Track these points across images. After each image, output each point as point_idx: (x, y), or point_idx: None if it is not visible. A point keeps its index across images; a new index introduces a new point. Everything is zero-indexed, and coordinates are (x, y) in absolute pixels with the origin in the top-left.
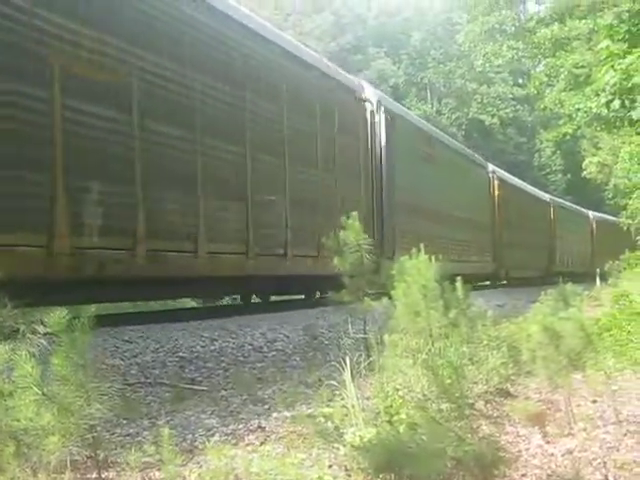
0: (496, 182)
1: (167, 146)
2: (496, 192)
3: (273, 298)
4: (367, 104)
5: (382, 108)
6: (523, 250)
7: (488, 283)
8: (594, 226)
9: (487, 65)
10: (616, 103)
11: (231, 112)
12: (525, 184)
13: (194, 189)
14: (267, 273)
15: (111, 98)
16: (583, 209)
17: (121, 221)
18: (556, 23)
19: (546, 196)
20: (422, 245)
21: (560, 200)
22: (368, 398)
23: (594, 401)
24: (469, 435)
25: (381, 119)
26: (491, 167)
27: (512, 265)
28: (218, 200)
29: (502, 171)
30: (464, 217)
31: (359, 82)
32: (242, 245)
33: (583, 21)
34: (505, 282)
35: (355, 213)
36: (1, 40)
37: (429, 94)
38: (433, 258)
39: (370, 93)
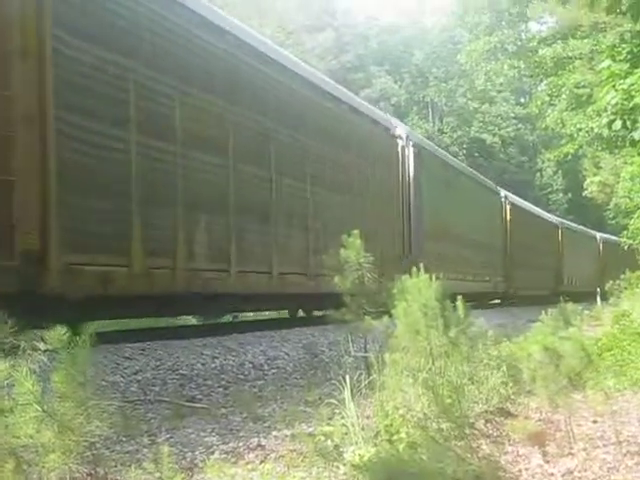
0: (508, 207)
1: (250, 183)
2: (508, 216)
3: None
4: (399, 140)
5: (410, 142)
6: (532, 270)
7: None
8: (601, 247)
9: (488, 84)
10: (617, 123)
11: (295, 153)
12: (534, 208)
13: (269, 220)
14: (325, 291)
15: (216, 148)
16: (591, 230)
17: (220, 248)
18: (558, 42)
19: (554, 219)
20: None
21: (568, 222)
22: (368, 417)
23: (594, 421)
24: (469, 455)
25: (410, 152)
26: (503, 193)
27: (521, 285)
28: (286, 228)
29: (513, 196)
30: (480, 240)
31: (393, 121)
32: (304, 267)
33: (585, 40)
34: (515, 301)
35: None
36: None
37: (431, 112)
38: (434, 277)
39: (401, 130)
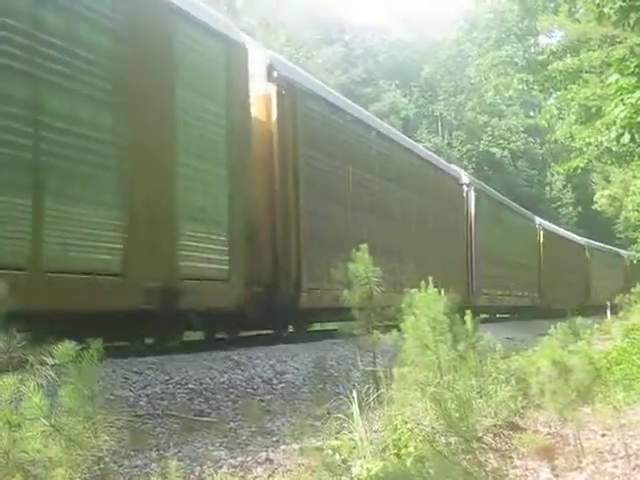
0: (541, 232)
1: (358, 225)
2: (541, 240)
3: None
4: (464, 187)
5: (472, 187)
6: (563, 287)
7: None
8: (627, 264)
9: (497, 97)
10: (626, 137)
11: (387, 200)
12: (563, 231)
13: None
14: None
15: (336, 197)
16: (619, 249)
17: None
18: (568, 56)
19: (582, 240)
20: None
21: (595, 243)
22: (376, 431)
23: (603, 435)
24: (477, 469)
25: (471, 196)
26: (538, 220)
27: (554, 299)
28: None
29: (546, 222)
30: (520, 262)
31: (461, 172)
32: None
33: (594, 54)
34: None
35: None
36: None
37: (440, 126)
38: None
39: (465, 178)
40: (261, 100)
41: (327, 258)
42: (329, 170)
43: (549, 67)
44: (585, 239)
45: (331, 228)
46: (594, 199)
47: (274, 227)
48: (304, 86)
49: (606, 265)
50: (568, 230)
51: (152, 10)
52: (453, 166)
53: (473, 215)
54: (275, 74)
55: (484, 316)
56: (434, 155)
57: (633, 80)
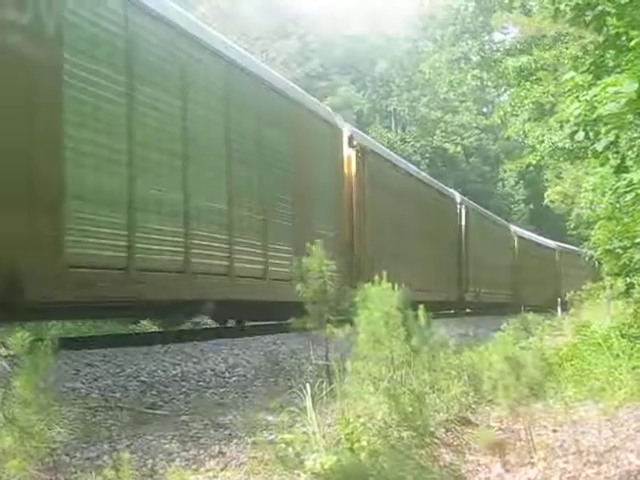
0: (516, 238)
1: (398, 241)
2: (516, 245)
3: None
4: (458, 205)
5: (464, 205)
6: (535, 285)
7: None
8: (594, 263)
9: (451, 93)
10: (580, 135)
11: (408, 220)
12: (537, 237)
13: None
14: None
15: (387, 222)
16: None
17: None
18: (522, 54)
19: (553, 244)
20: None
21: (565, 245)
22: (329, 425)
23: (555, 430)
24: (430, 463)
25: (462, 211)
26: (513, 228)
27: (526, 297)
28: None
29: (521, 230)
30: (500, 264)
31: (455, 192)
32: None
33: (548, 53)
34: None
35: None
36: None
37: (393, 122)
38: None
39: (458, 197)
40: (345, 160)
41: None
42: (384, 204)
43: (503, 64)
44: (556, 243)
45: (385, 244)
46: (545, 196)
47: (352, 244)
48: (370, 148)
49: (574, 265)
50: (520, 227)
51: (308, 117)
52: (449, 188)
53: (464, 226)
54: (354, 142)
55: (467, 310)
56: (435, 181)
57: (588, 77)
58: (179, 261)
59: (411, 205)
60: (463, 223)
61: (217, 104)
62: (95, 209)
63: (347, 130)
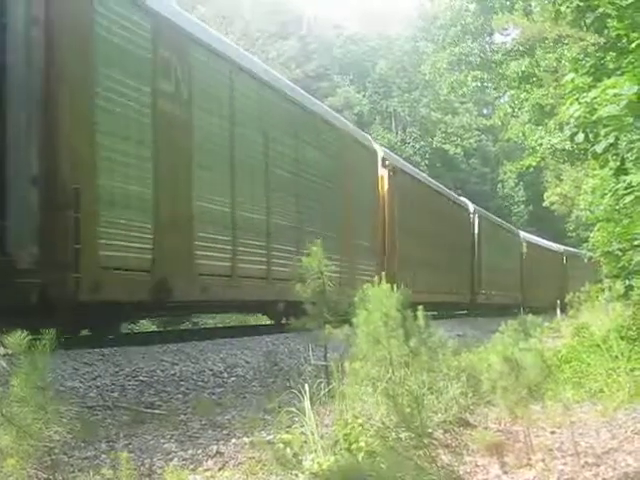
0: (524, 243)
1: (423, 248)
2: (524, 250)
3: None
4: (471, 215)
5: (477, 214)
6: (542, 288)
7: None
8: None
9: (452, 95)
10: (580, 136)
11: (430, 230)
12: (545, 242)
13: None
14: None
15: (413, 233)
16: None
17: None
18: (523, 56)
19: (560, 248)
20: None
21: (571, 249)
22: (327, 425)
23: (553, 432)
24: (428, 464)
25: (476, 220)
26: (522, 234)
27: (532, 298)
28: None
29: (529, 235)
30: (509, 268)
31: (468, 202)
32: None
33: (549, 55)
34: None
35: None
36: None
37: (394, 123)
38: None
39: (471, 207)
40: (379, 178)
41: (409, 271)
42: (409, 216)
43: (504, 66)
44: (563, 247)
45: (410, 251)
46: (545, 197)
47: (384, 252)
48: (399, 167)
49: (581, 268)
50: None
51: (352, 144)
52: (463, 198)
53: (477, 236)
54: (386, 162)
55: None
56: (451, 192)
57: (589, 79)
58: (263, 269)
59: (431, 215)
60: (476, 231)
61: (291, 140)
62: (214, 230)
63: (380, 152)
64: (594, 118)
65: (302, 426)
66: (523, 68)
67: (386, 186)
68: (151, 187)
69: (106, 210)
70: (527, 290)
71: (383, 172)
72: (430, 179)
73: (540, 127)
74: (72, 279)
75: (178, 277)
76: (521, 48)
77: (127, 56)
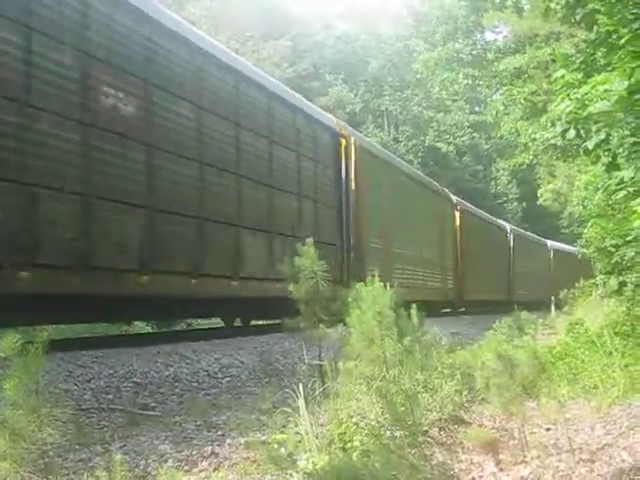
0: (552, 251)
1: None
2: (552, 256)
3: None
4: (508, 233)
5: (512, 232)
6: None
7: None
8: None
9: (443, 92)
10: (571, 132)
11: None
12: (534, 236)
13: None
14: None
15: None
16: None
17: None
18: (514, 53)
19: (547, 242)
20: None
21: (557, 244)
22: (322, 425)
23: (548, 429)
24: (423, 462)
25: (511, 238)
26: (509, 227)
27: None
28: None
29: (517, 228)
30: (537, 272)
31: (507, 225)
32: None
33: (541, 51)
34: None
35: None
36: None
37: (386, 121)
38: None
39: (508, 227)
40: (454, 218)
41: (473, 281)
42: (471, 242)
43: (495, 64)
44: (550, 241)
45: (473, 267)
46: (538, 194)
47: (456, 268)
48: (466, 209)
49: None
50: (514, 225)
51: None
52: (503, 222)
53: (512, 249)
54: (458, 207)
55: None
56: (497, 220)
57: (579, 75)
58: None
59: (485, 239)
60: (512, 245)
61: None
62: None
63: (454, 199)
64: (585, 114)
65: (297, 426)
66: (516, 64)
67: (458, 222)
68: None
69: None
70: (553, 289)
71: (456, 213)
72: (486, 214)
73: (532, 123)
74: None
75: None
76: (514, 45)
77: None
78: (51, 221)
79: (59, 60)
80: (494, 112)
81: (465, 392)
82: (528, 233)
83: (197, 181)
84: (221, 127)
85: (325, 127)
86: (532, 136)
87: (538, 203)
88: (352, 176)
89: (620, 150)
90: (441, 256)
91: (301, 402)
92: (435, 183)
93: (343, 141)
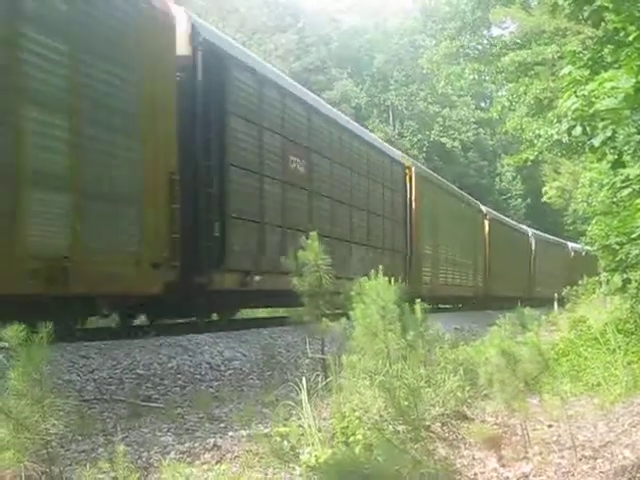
0: (572, 252)
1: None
2: (572, 256)
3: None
4: (530, 237)
5: (534, 237)
6: (548, 283)
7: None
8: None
9: (449, 88)
10: (577, 130)
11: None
12: (555, 238)
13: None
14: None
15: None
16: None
17: None
18: (520, 49)
19: (567, 243)
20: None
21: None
22: (325, 418)
23: (550, 425)
24: (425, 457)
25: (533, 242)
26: (570, 245)
27: (537, 290)
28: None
29: (540, 233)
30: (556, 271)
31: (529, 230)
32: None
33: (548, 47)
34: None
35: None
36: None
37: (391, 116)
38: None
39: (530, 232)
40: (484, 227)
41: (500, 280)
42: (499, 248)
43: (501, 60)
44: (570, 242)
45: (500, 269)
46: (543, 191)
47: (485, 270)
48: (494, 217)
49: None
50: (517, 221)
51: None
52: (524, 226)
53: (533, 251)
54: (487, 216)
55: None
56: (520, 225)
57: (586, 73)
58: None
59: (509, 243)
60: (533, 248)
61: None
62: None
63: (484, 209)
64: (591, 111)
65: (299, 419)
66: (521, 59)
67: (487, 231)
68: None
69: (424, 261)
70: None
71: (485, 222)
72: (510, 221)
73: (538, 120)
74: None
75: None
76: (520, 41)
77: None
78: (269, 243)
79: (271, 143)
80: (499, 108)
81: (468, 388)
82: (548, 236)
83: (329, 213)
84: (343, 173)
85: (397, 162)
86: (537, 132)
87: (542, 200)
88: (413, 197)
89: (626, 147)
90: (474, 259)
91: (304, 395)
92: (469, 197)
93: (407, 171)
